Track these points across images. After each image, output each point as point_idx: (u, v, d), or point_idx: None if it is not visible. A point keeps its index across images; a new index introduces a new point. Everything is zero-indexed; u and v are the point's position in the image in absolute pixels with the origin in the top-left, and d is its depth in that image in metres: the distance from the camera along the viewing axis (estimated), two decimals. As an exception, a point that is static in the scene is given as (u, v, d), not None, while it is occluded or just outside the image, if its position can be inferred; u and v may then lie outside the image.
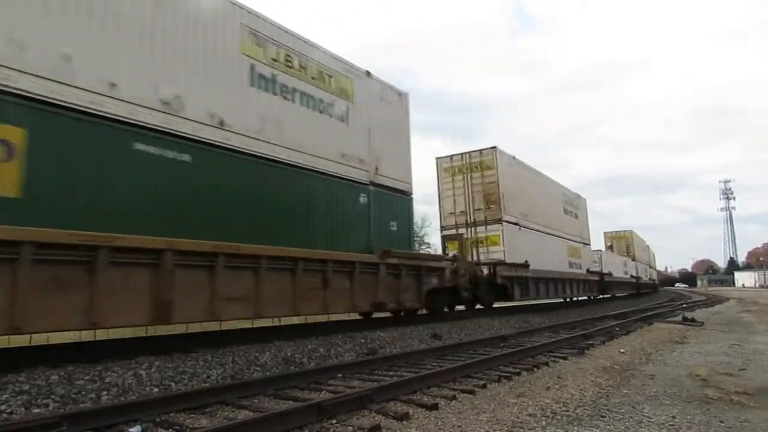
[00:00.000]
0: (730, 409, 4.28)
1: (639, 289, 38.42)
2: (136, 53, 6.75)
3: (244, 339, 7.97)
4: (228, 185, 7.73)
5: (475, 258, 15.60)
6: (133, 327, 7.45)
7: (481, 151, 16.87)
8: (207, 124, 7.53)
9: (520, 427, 3.75)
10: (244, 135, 8.06)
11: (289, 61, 9.09)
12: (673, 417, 4.00)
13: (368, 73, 11.20)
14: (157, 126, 6.85)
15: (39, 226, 5.47)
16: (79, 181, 6.04)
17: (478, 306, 15.46)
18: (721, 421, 3.89)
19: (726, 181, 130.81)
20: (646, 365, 6.57)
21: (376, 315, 12.24)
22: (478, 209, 16.53)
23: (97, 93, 6.25)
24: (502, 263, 15.38)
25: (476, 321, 12.42)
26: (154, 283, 6.48)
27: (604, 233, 42.98)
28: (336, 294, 9.20)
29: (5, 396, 4.27)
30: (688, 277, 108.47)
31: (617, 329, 10.86)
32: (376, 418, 3.95)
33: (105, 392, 4.67)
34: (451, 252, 15.02)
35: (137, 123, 6.62)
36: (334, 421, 3.83)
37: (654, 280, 51.00)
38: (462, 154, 17.21)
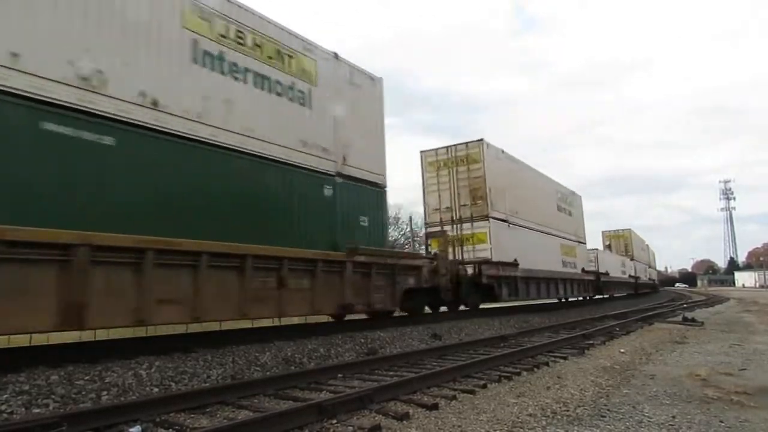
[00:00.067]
0: (730, 408, 4.28)
1: (637, 289, 38.26)
2: (48, 19, 5.82)
3: (244, 339, 7.96)
4: (163, 173, 6.88)
5: (459, 256, 14.91)
6: (31, 333, 6.72)
7: (467, 143, 16.03)
8: (136, 104, 6.62)
9: (521, 427, 3.76)
10: (183, 117, 7.18)
11: (241, 38, 8.15)
12: (673, 417, 4.00)
13: (336, 56, 10.19)
14: (73, 104, 5.97)
15: None
16: None
17: (462, 307, 14.70)
18: (721, 421, 3.89)
19: (726, 181, 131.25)
20: (647, 365, 6.57)
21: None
22: (464, 205, 15.71)
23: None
24: (487, 262, 14.65)
25: (476, 321, 12.40)
26: (64, 283, 5.63)
27: (603, 232, 43.04)
28: (294, 295, 8.39)
29: (5, 396, 4.27)
30: (688, 277, 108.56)
31: (617, 329, 10.87)
32: (377, 418, 3.95)
33: (105, 392, 4.67)
34: (434, 250, 14.51)
35: (46, 99, 5.74)
36: (335, 421, 3.83)
37: (654, 280, 51.01)
38: (447, 147, 16.35)
